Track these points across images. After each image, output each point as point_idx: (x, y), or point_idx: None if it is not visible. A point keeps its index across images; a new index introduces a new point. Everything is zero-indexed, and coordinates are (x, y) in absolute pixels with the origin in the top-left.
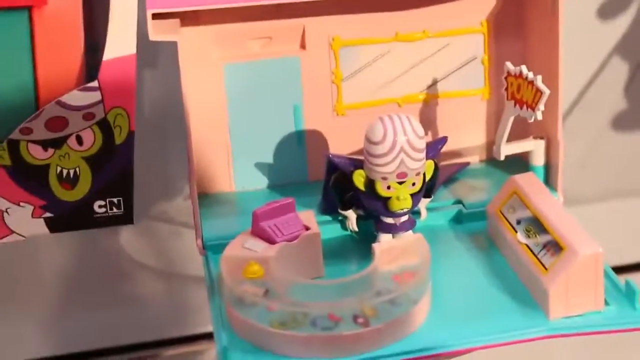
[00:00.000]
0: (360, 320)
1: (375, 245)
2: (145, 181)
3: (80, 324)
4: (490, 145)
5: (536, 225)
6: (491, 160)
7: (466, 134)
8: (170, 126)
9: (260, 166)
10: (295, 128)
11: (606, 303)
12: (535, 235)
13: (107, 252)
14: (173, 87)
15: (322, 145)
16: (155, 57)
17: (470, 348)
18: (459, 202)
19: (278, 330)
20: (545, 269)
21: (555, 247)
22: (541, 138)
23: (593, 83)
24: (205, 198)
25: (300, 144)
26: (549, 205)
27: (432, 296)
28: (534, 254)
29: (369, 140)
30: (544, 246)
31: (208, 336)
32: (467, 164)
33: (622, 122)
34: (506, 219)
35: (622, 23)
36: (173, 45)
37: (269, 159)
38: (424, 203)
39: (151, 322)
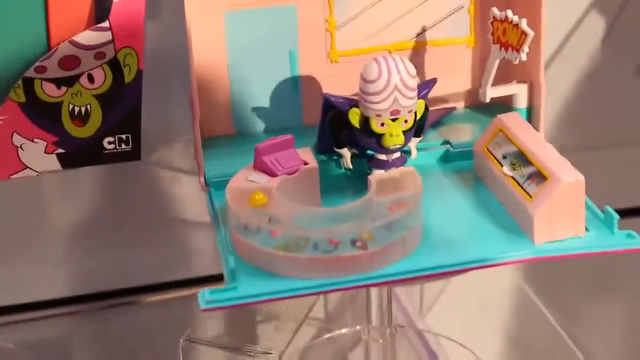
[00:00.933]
0: (359, 244)
1: (371, 177)
2: (144, 126)
3: (78, 267)
4: (475, 91)
5: (521, 158)
6: (476, 105)
7: (452, 80)
8: (170, 72)
9: (258, 110)
10: (291, 74)
11: (587, 230)
12: (520, 168)
13: (105, 197)
14: (172, 34)
15: (316, 90)
16: (156, 5)
17: (461, 269)
18: (446, 142)
19: (281, 253)
20: (530, 197)
21: (539, 177)
22: (524, 82)
23: (572, 36)
24: (206, 141)
25: (296, 89)
26: (533, 140)
27: (425, 225)
28: (519, 184)
29: (364, 79)
30: (529, 177)
31: (202, 280)
32: (454, 108)
33: (600, 74)
34: (492, 155)
35: None
36: None
37: (266, 103)
38: (414, 142)
39: (145, 266)
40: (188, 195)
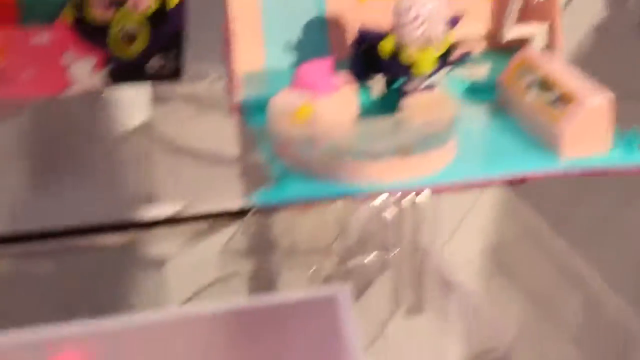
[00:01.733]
0: (397, 153)
1: (403, 100)
2: None
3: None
4: (494, 35)
5: (546, 84)
6: (494, 49)
7: (470, 25)
8: (207, 5)
9: (288, 47)
10: (319, 14)
11: (612, 148)
12: (547, 92)
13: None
14: None
15: (344, 29)
16: None
17: (494, 179)
18: (470, 76)
19: (325, 159)
20: (557, 118)
21: (565, 99)
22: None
23: None
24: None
25: (324, 28)
26: (557, 66)
27: (457, 142)
28: (546, 108)
29: (396, 9)
30: (555, 100)
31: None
32: (470, 52)
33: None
34: (517, 84)
35: None
36: None
37: (296, 40)
38: (441, 73)
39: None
40: (218, 125)
